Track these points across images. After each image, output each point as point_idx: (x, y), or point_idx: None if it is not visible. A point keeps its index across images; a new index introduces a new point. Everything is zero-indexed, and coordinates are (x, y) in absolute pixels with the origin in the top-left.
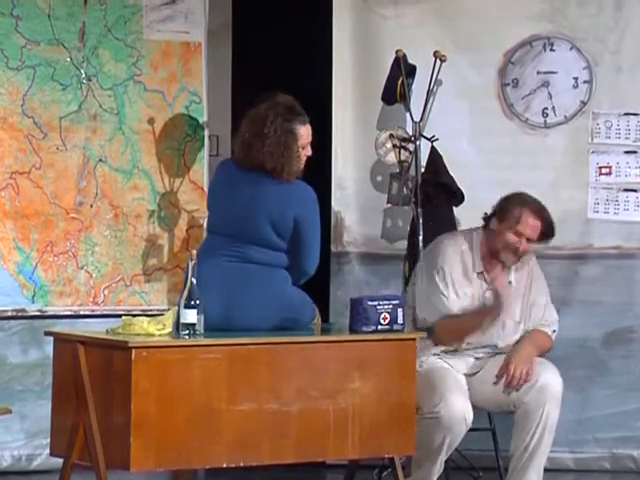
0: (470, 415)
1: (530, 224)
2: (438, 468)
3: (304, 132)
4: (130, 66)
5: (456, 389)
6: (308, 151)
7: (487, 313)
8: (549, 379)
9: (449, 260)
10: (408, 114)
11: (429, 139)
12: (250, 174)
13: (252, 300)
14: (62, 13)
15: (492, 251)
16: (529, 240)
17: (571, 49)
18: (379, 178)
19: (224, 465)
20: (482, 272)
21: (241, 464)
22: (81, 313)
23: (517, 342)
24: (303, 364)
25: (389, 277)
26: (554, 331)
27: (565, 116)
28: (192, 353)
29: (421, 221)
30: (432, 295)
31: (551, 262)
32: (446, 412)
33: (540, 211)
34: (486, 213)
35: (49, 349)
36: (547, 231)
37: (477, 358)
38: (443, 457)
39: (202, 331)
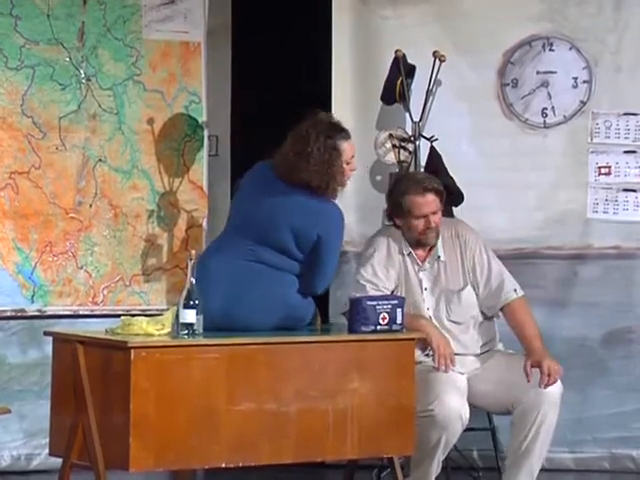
0: (466, 413)
1: (422, 204)
2: (436, 467)
3: (347, 147)
4: (129, 66)
5: (451, 387)
6: (353, 166)
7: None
8: None
9: (376, 246)
10: (407, 114)
11: (428, 139)
12: (285, 188)
13: (254, 297)
14: (61, 13)
15: (415, 240)
16: (434, 213)
17: (570, 49)
18: (378, 178)
19: (223, 465)
20: (410, 253)
21: (240, 464)
22: (80, 313)
23: (524, 340)
24: (302, 364)
25: None
26: (515, 290)
27: (564, 116)
28: (191, 353)
29: None
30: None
31: (550, 262)
32: (440, 410)
33: (422, 186)
34: (388, 214)
35: (48, 349)
36: (441, 194)
37: (476, 355)
38: (440, 456)
39: (201, 331)
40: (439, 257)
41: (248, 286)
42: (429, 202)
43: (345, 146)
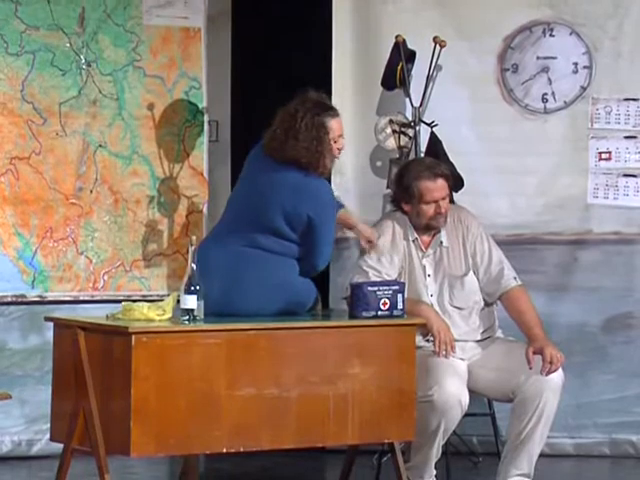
0: (466, 399)
1: (433, 189)
2: (436, 452)
3: (334, 125)
4: (130, 52)
5: (451, 373)
6: (340, 144)
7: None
8: None
9: (381, 231)
10: (408, 99)
11: (429, 124)
12: (274, 166)
13: (254, 284)
14: None
15: (423, 225)
16: (443, 198)
17: (571, 34)
18: (379, 163)
19: (224, 450)
20: (416, 239)
21: (241, 449)
22: (81, 299)
23: (525, 327)
24: (303, 350)
25: None
26: (515, 278)
27: (565, 101)
28: (192, 338)
29: None
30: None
31: (550, 248)
32: (440, 396)
33: (432, 172)
34: (394, 200)
35: (49, 335)
36: (450, 180)
37: (477, 341)
38: (440, 441)
39: (202, 316)
40: (442, 243)
41: (247, 273)
42: (440, 187)
43: (332, 123)
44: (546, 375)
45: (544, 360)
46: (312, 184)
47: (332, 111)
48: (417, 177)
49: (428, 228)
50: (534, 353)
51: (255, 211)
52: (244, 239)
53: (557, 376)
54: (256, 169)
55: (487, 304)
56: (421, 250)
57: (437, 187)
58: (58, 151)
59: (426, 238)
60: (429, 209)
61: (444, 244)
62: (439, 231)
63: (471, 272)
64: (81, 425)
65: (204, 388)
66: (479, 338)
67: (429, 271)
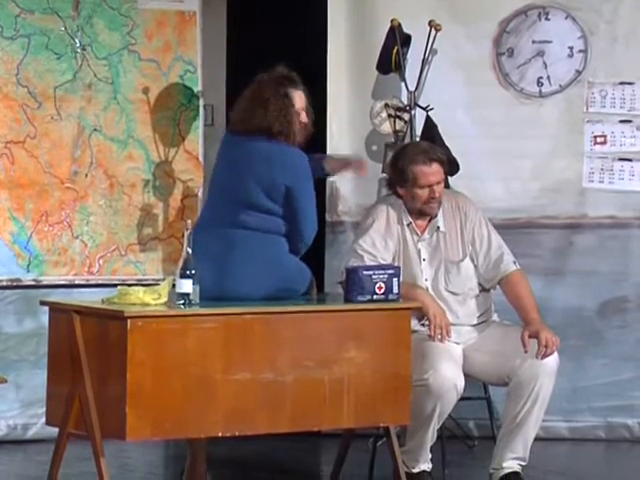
0: (461, 383)
1: (428, 173)
2: (431, 436)
3: (297, 96)
4: (125, 35)
5: (446, 357)
6: (303, 118)
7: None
8: None
9: (375, 215)
10: (403, 83)
11: (424, 108)
12: (243, 139)
13: (241, 265)
14: None
15: (417, 210)
16: (438, 183)
17: (566, 18)
18: (374, 147)
19: (219, 434)
20: (410, 223)
21: (236, 433)
22: (76, 283)
23: (522, 311)
24: (298, 334)
25: None
26: (514, 262)
27: (560, 85)
28: (187, 323)
29: None
30: (355, 245)
31: (546, 232)
32: (435, 380)
33: (427, 156)
34: (389, 184)
35: (44, 319)
36: (444, 164)
37: (472, 325)
38: (435, 425)
39: (197, 301)
40: (438, 228)
41: (233, 255)
42: (435, 172)
43: (295, 95)
44: (541, 359)
45: (539, 344)
46: (285, 153)
47: (295, 84)
48: (412, 161)
49: (422, 213)
50: (530, 337)
51: (234, 189)
52: (227, 220)
53: (552, 360)
54: (227, 149)
55: (483, 289)
56: (416, 234)
57: (432, 171)
58: (53, 135)
59: (421, 222)
60: (423, 193)
61: (441, 229)
62: (435, 215)
63: (468, 258)
64: (77, 409)
65: (200, 372)
66: (475, 322)
67: (424, 255)
